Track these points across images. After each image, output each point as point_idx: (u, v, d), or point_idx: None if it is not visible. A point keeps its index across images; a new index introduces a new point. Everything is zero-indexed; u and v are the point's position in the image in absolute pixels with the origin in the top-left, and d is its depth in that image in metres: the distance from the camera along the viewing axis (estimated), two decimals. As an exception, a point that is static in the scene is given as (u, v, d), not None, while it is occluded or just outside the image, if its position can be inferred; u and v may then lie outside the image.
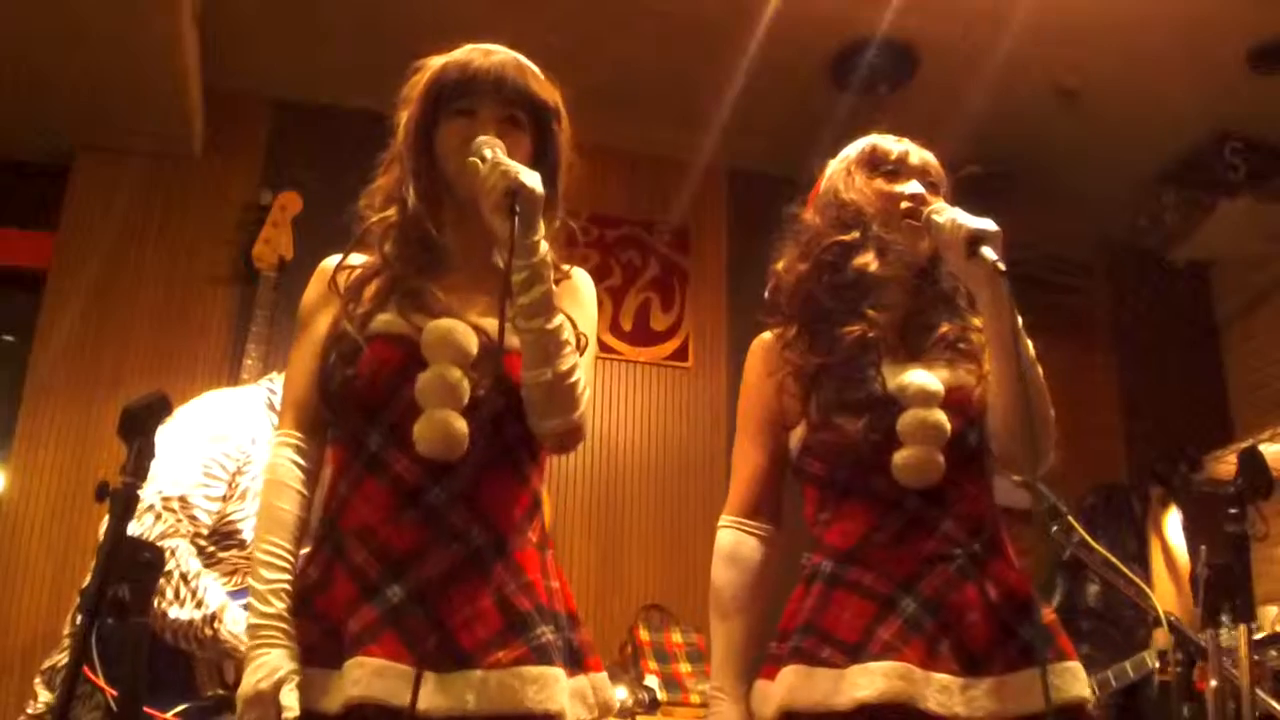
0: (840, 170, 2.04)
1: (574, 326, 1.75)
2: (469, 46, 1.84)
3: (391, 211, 1.80)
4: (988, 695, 1.72)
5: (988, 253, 1.77)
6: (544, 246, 1.68)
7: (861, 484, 1.86)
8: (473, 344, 1.69)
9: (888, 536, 1.82)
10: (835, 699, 1.71)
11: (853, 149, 2.06)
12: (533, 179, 1.65)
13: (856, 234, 1.94)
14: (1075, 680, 1.77)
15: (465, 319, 1.72)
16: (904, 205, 1.93)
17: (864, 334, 1.88)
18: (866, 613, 1.77)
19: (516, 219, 1.61)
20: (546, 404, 1.71)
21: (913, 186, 1.95)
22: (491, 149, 1.70)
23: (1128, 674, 3.39)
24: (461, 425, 1.65)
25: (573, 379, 1.70)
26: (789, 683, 1.77)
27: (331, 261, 1.85)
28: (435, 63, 1.84)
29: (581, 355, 1.75)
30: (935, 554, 1.80)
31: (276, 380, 2.92)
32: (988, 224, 1.81)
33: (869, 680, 1.68)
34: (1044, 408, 1.86)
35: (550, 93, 1.86)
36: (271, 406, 2.84)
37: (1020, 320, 1.81)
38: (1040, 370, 1.85)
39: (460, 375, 1.66)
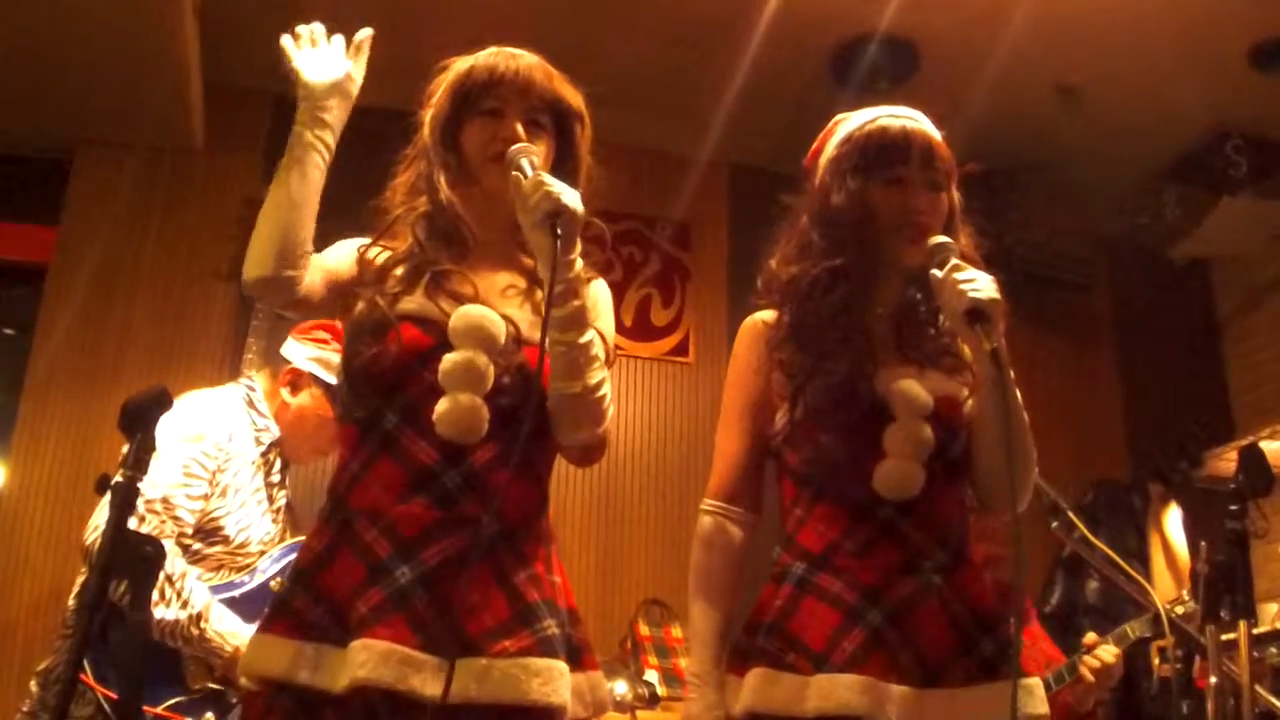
0: (834, 164, 1.95)
1: (604, 341, 1.77)
2: (494, 49, 1.87)
3: (421, 202, 1.83)
4: (942, 708, 1.71)
5: (985, 336, 1.72)
6: (579, 263, 1.70)
7: (836, 487, 1.84)
8: (501, 332, 1.71)
9: (857, 544, 1.80)
10: (799, 706, 1.71)
11: (857, 127, 1.96)
12: (574, 199, 1.67)
13: (845, 259, 1.88)
14: (1031, 698, 1.76)
15: (495, 308, 1.74)
16: (899, 222, 1.88)
17: (852, 366, 1.83)
18: (832, 621, 1.76)
19: (559, 240, 1.63)
20: (574, 417, 1.74)
21: (911, 201, 1.88)
22: (529, 158, 1.72)
23: (1127, 636, 3.37)
24: (483, 410, 1.67)
25: (600, 393, 1.74)
26: (754, 684, 1.77)
27: (357, 240, 1.87)
28: (461, 63, 1.87)
29: (609, 369, 1.78)
30: (902, 564, 1.79)
31: (256, 379, 2.94)
32: (987, 290, 1.74)
33: (832, 692, 1.68)
34: (1028, 460, 1.85)
35: (575, 97, 1.89)
36: (251, 404, 2.85)
37: (1013, 376, 1.76)
38: (1026, 419, 1.83)
39: (487, 362, 1.68)
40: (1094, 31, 4.17)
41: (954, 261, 1.80)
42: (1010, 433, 1.72)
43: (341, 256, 1.83)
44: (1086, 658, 3.07)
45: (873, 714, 1.66)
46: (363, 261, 1.81)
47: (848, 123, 1.99)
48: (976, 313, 1.73)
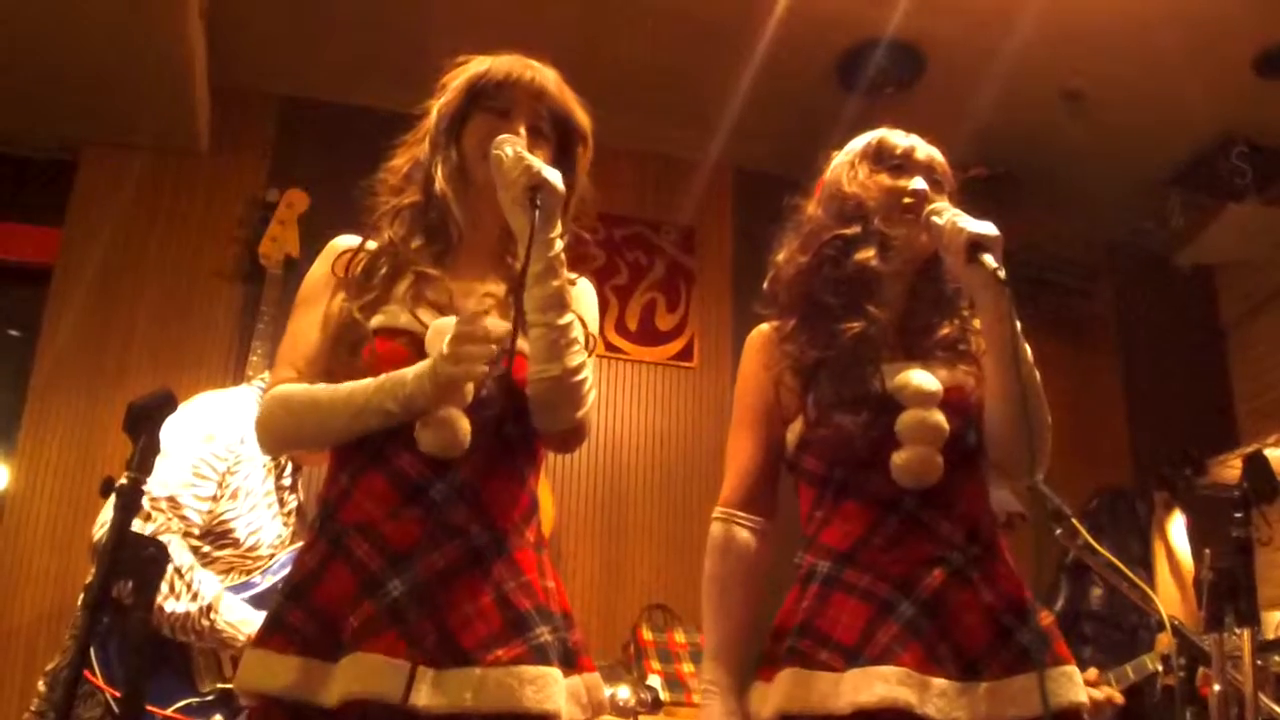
0: (845, 163, 2.02)
1: (584, 326, 1.75)
2: (514, 56, 1.87)
3: (407, 194, 1.82)
4: (985, 699, 1.70)
5: (988, 260, 1.76)
6: (559, 244, 1.69)
7: (858, 483, 1.84)
8: None
9: (885, 538, 1.80)
10: (833, 702, 1.69)
11: (859, 142, 2.05)
12: (555, 175, 1.67)
13: (858, 228, 1.92)
14: (1071, 685, 1.75)
15: None
16: (906, 200, 1.92)
17: (864, 330, 1.86)
18: (864, 615, 1.75)
19: (537, 212, 1.62)
20: (552, 401, 1.72)
21: (916, 182, 1.93)
22: (513, 145, 1.72)
23: (1128, 676, 3.39)
24: (465, 424, 1.66)
25: (580, 377, 1.71)
26: (785, 686, 1.75)
27: (342, 242, 1.86)
28: (479, 62, 1.87)
29: (590, 355, 1.75)
30: (932, 556, 1.79)
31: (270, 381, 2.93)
32: (988, 228, 1.79)
33: (868, 684, 1.67)
34: (1041, 413, 1.85)
35: (583, 117, 1.89)
36: None
37: (1019, 326, 1.79)
38: (1038, 375, 1.84)
39: None
40: (1100, 37, 4.17)
41: (955, 210, 1.86)
42: (1019, 361, 1.76)
43: (327, 293, 1.83)
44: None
45: (910, 705, 1.64)
46: (342, 274, 1.81)
47: (851, 142, 2.08)
48: (977, 244, 1.78)
